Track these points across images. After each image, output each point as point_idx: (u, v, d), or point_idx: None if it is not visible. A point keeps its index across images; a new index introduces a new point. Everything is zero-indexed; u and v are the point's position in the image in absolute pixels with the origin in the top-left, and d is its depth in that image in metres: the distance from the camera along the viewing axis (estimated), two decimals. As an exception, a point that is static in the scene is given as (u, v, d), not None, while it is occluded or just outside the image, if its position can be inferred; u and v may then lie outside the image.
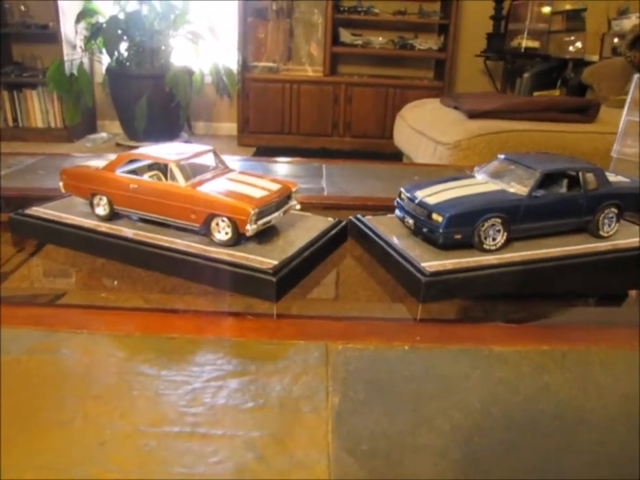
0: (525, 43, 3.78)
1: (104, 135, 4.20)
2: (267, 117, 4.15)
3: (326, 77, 4.17)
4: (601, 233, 0.79)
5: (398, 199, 0.79)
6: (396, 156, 2.89)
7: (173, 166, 0.71)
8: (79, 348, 0.55)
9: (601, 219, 0.79)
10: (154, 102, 3.66)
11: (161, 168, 0.75)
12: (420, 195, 0.75)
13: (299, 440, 0.44)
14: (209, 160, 0.78)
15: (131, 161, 0.78)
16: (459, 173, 0.84)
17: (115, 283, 0.71)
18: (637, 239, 0.80)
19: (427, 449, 0.42)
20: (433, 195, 0.74)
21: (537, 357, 0.56)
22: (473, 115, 2.28)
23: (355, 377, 0.51)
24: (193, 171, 0.75)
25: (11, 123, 3.99)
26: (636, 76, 1.12)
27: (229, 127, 4.41)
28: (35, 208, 0.81)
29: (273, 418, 0.46)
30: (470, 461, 0.42)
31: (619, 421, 0.47)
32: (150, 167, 0.78)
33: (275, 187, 0.73)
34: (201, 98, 4.22)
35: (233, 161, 1.35)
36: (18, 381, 0.50)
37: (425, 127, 2.44)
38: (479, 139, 2.11)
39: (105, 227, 0.75)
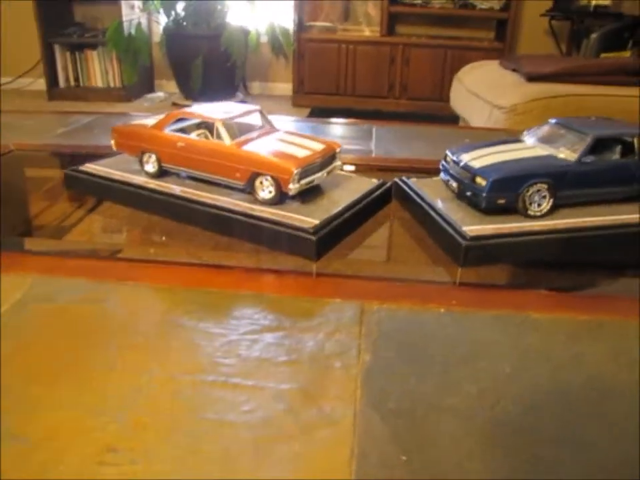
0: (596, 0, 3.58)
1: (161, 94, 4.26)
2: (322, 78, 4.11)
3: (383, 37, 4.08)
4: (655, 202, 0.76)
5: (443, 162, 0.78)
6: (453, 120, 2.83)
7: (219, 124, 0.72)
8: (123, 299, 0.58)
9: (655, 188, 0.76)
10: (209, 62, 3.68)
11: (209, 126, 0.76)
12: (465, 158, 0.74)
13: (327, 394, 0.45)
14: (255, 119, 0.79)
15: (180, 119, 0.79)
16: (510, 136, 0.81)
17: (164, 239, 0.73)
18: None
19: (451, 411, 0.43)
20: (478, 158, 0.73)
21: (572, 326, 0.55)
22: (531, 78, 2.20)
23: (387, 336, 0.51)
24: (239, 130, 0.75)
25: (72, 83, 4.10)
26: None
27: (284, 87, 4.39)
28: (87, 164, 0.84)
29: (304, 372, 0.47)
30: (494, 424, 0.42)
31: (652, 393, 0.46)
32: (198, 126, 0.80)
33: (319, 147, 0.73)
34: (257, 58, 4.22)
35: (284, 122, 1.36)
36: (64, 327, 0.53)
37: (482, 90, 2.37)
38: (536, 103, 2.04)
39: (153, 183, 0.78)
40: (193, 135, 0.76)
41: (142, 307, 0.57)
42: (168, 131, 0.77)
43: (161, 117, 0.80)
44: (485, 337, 0.53)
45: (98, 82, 4.10)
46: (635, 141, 0.75)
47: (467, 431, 0.42)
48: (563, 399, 0.45)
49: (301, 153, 0.70)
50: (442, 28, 4.26)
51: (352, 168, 0.96)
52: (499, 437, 0.41)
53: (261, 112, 0.78)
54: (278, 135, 0.76)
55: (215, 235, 0.71)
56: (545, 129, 0.79)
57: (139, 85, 4.08)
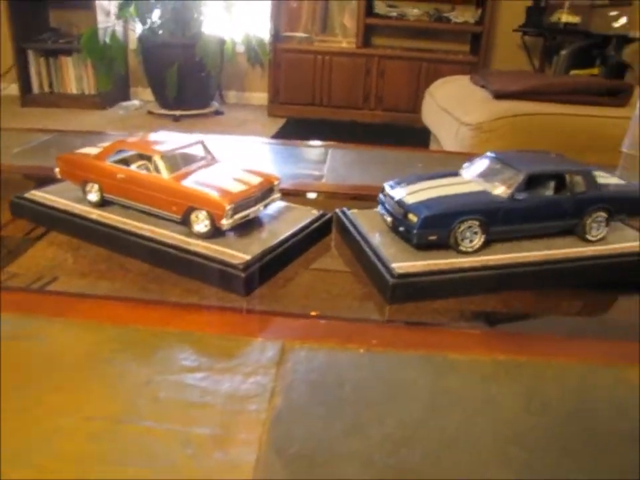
0: (565, 17, 3.65)
1: (136, 102, 4.25)
2: (298, 88, 4.13)
3: (359, 49, 4.12)
4: (588, 236, 0.79)
5: (381, 195, 0.80)
6: (426, 131, 2.86)
7: (157, 158, 0.73)
8: (50, 336, 0.58)
9: (588, 222, 0.78)
10: (185, 70, 3.68)
11: (149, 158, 0.77)
12: (400, 192, 0.75)
13: (235, 439, 0.46)
14: (197, 151, 0.80)
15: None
16: (471, 158, 0.83)
17: (103, 270, 0.73)
18: (629, 244, 0.79)
19: (352, 457, 0.44)
20: (412, 193, 0.74)
21: (490, 367, 0.57)
22: (498, 96, 2.24)
23: (302, 378, 0.53)
24: (182, 161, 0.76)
25: (46, 89, 4.07)
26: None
27: (260, 97, 4.41)
28: (33, 192, 0.85)
29: (216, 415, 0.48)
30: (393, 472, 0.43)
31: (552, 442, 0.48)
32: (141, 156, 0.80)
33: (256, 180, 0.75)
34: (233, 67, 4.23)
35: (243, 143, 1.37)
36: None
37: (451, 106, 2.40)
38: (502, 121, 2.08)
39: (95, 214, 0.78)
40: (134, 166, 0.77)
41: (68, 345, 0.57)
42: (110, 162, 0.77)
43: (105, 145, 0.80)
44: (400, 378, 0.54)
45: (72, 88, 4.08)
46: (567, 177, 0.77)
47: (363, 477, 0.43)
48: (468, 446, 0.46)
49: (237, 188, 0.71)
50: (417, 40, 4.31)
51: (307, 196, 0.98)
52: (397, 484, 0.43)
53: (203, 144, 0.79)
54: (217, 168, 0.77)
55: (154, 268, 0.72)
56: (482, 163, 0.81)
57: (114, 92, 4.07)
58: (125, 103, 4.23)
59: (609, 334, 0.67)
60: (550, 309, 0.71)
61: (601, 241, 0.79)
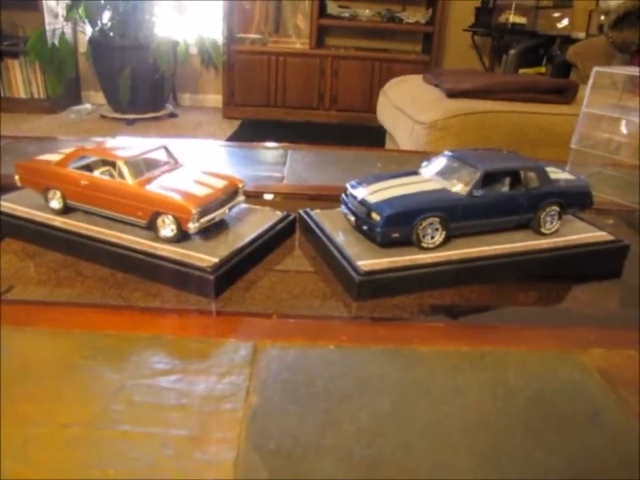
0: (512, 18, 3.75)
1: (88, 106, 4.17)
2: (253, 90, 4.13)
3: (312, 49, 4.14)
4: (543, 230, 0.82)
5: (344, 195, 0.81)
6: (382, 130, 2.90)
7: (120, 164, 0.73)
8: (18, 345, 0.58)
9: (542, 216, 0.82)
10: (138, 73, 3.63)
11: (113, 164, 0.77)
12: (362, 192, 0.77)
13: (213, 438, 0.47)
14: (160, 155, 0.80)
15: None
16: (427, 157, 0.85)
17: (61, 277, 0.73)
18: (580, 236, 0.83)
19: (329, 450, 0.46)
20: (374, 193, 0.76)
21: (456, 358, 0.59)
22: (451, 94, 2.29)
23: (275, 376, 0.54)
24: (145, 166, 0.76)
25: (-7, 93, 3.96)
26: (595, 69, 1.14)
27: (215, 99, 4.39)
28: (-9, 199, 0.83)
29: (193, 417, 0.49)
30: (370, 463, 0.45)
31: (516, 425, 0.50)
32: (104, 162, 0.80)
33: (221, 183, 0.75)
34: (187, 69, 4.19)
35: (203, 145, 1.37)
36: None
37: (405, 105, 2.44)
38: (455, 120, 2.13)
39: (58, 221, 0.77)
40: (97, 173, 0.77)
41: (38, 354, 0.57)
42: (72, 168, 0.77)
43: (67, 152, 0.80)
44: (371, 372, 0.56)
45: (20, 92, 3.98)
46: (521, 173, 0.81)
47: (342, 469, 0.44)
48: (439, 433, 0.49)
49: (202, 191, 0.72)
50: (370, 40, 4.36)
51: (264, 197, 0.99)
52: (375, 476, 0.44)
53: (166, 148, 0.80)
54: (181, 172, 0.77)
55: (114, 273, 0.71)
56: (440, 161, 0.83)
57: (64, 96, 3.98)
58: (76, 107, 4.14)
59: (564, 321, 0.70)
60: (507, 300, 0.74)
61: (555, 233, 0.82)
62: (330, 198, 0.95)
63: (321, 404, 0.51)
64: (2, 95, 3.97)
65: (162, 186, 0.72)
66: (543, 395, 0.54)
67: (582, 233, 0.84)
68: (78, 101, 4.27)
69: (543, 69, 3.46)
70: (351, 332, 0.62)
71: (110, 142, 0.80)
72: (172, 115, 4.04)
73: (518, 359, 0.60)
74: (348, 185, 0.81)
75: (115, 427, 0.48)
